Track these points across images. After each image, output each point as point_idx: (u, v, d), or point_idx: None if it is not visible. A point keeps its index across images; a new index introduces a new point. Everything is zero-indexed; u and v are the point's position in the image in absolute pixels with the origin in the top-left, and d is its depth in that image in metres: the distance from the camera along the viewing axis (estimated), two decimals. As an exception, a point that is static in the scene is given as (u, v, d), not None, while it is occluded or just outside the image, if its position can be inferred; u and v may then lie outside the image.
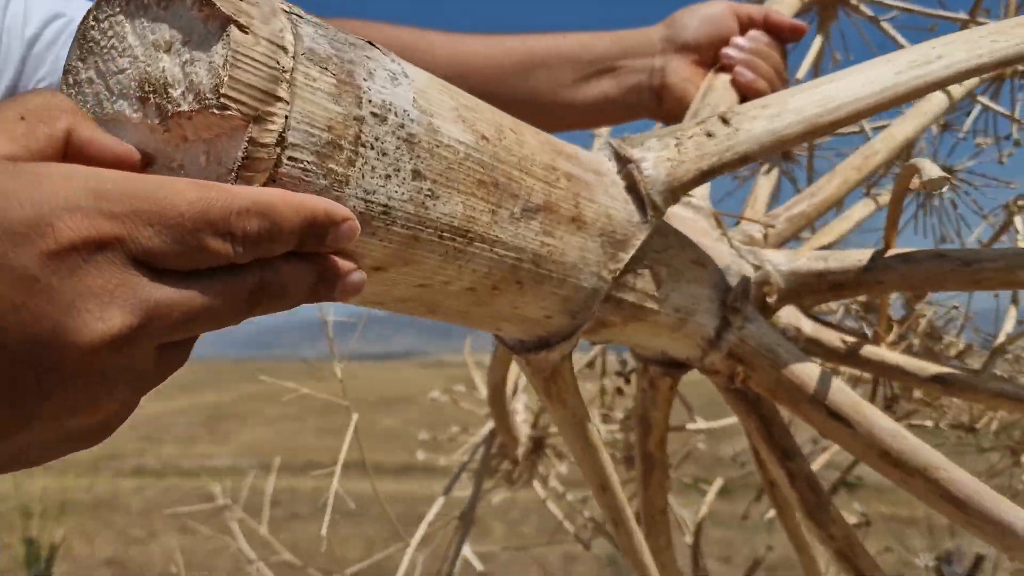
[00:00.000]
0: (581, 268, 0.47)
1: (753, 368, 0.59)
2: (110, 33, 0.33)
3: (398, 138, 0.36)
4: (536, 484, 1.09)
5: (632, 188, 0.50)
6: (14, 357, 0.25)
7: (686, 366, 0.64)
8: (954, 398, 0.68)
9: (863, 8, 0.95)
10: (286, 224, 0.30)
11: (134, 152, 0.31)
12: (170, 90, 0.31)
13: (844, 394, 0.58)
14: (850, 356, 0.68)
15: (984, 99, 0.98)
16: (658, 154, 0.51)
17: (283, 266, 0.31)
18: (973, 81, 0.88)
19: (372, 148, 0.35)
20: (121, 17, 0.33)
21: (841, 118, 0.52)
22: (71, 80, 0.34)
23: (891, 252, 0.62)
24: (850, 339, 0.68)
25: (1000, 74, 1.01)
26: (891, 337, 0.70)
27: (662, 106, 0.76)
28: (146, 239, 0.27)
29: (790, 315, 0.68)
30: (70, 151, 0.30)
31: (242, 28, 0.31)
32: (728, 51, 0.74)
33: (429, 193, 0.38)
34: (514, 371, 1.11)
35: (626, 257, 0.49)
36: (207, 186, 0.28)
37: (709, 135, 0.51)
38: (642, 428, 0.71)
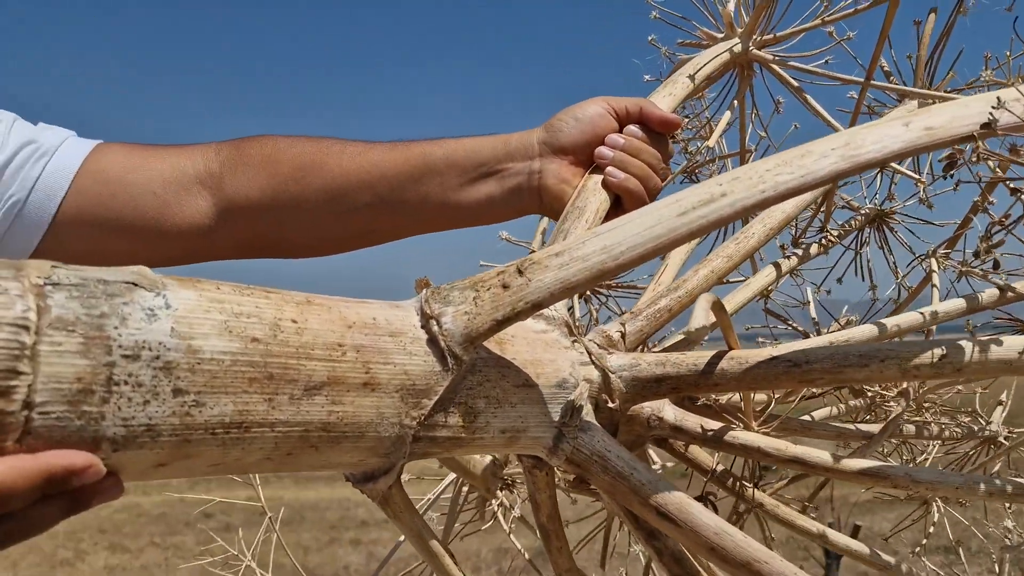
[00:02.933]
0: (379, 422, 0.54)
1: (589, 472, 0.65)
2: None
3: (154, 368, 0.44)
4: (501, 518, 1.17)
5: (433, 341, 0.56)
6: None
7: (551, 461, 0.71)
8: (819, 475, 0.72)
9: (779, 70, 0.97)
10: (17, 491, 0.38)
11: None
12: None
13: (671, 496, 0.63)
14: (713, 440, 0.73)
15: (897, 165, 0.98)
16: (457, 308, 0.57)
17: (30, 511, 0.39)
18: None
19: (126, 383, 0.43)
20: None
21: (625, 263, 0.57)
22: None
23: (730, 354, 0.67)
24: (711, 425, 0.73)
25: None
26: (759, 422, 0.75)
27: (543, 204, 0.81)
28: None
29: (654, 404, 0.73)
30: None
31: (-15, 323, 0.39)
32: (601, 150, 0.79)
33: (194, 403, 0.45)
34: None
35: (429, 403, 0.56)
36: None
37: (505, 287, 0.57)
38: (534, 506, 0.78)
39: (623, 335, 0.73)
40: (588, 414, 0.66)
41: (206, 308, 0.47)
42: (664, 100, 0.86)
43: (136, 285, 0.45)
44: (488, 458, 1.25)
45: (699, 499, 0.74)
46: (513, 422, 0.62)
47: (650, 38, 1.03)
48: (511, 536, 1.19)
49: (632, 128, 0.81)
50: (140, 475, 0.46)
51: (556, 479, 0.77)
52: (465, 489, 1.18)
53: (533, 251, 1.36)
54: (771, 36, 0.96)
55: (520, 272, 0.58)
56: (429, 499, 1.25)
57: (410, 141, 0.84)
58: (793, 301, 1.18)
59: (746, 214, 0.58)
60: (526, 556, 1.25)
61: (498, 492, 1.17)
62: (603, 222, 0.77)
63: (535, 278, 0.57)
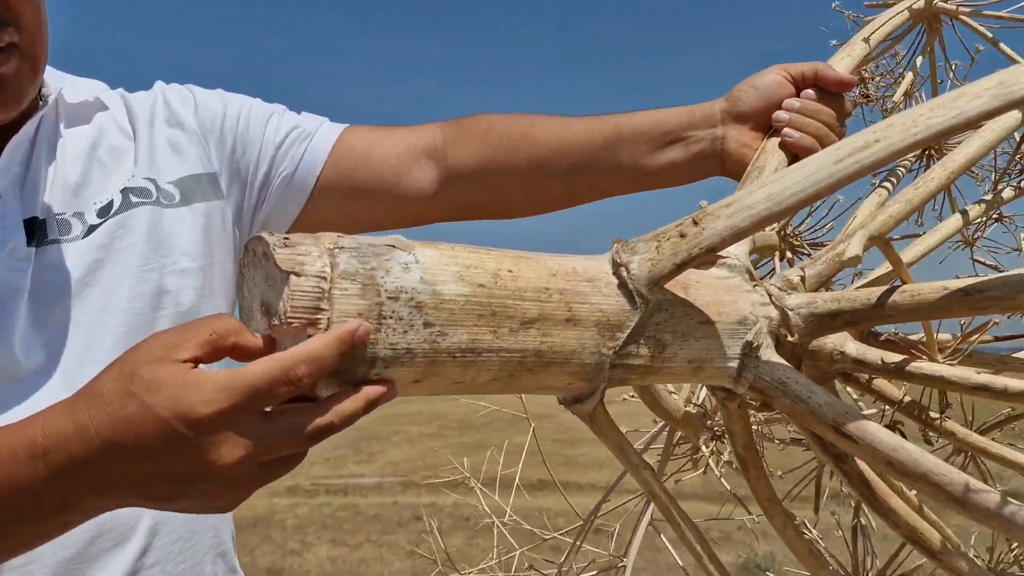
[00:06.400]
0: (581, 351, 0.66)
1: (771, 397, 0.73)
2: (248, 270, 0.60)
3: (410, 306, 0.59)
4: (711, 464, 1.25)
5: (623, 285, 0.68)
6: (180, 472, 0.53)
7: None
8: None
9: (969, 21, 0.98)
10: (326, 358, 0.54)
11: (259, 343, 0.57)
12: (271, 310, 0.57)
13: (847, 415, 0.70)
14: (895, 370, 0.79)
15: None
16: (642, 256, 0.68)
17: (339, 406, 0.56)
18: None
19: (391, 318, 0.58)
20: (251, 263, 0.60)
21: (789, 207, 0.65)
22: (241, 286, 0.61)
23: (902, 288, 0.73)
24: (893, 357, 0.78)
25: None
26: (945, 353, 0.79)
27: (725, 168, 0.90)
28: (244, 404, 0.52)
29: (836, 339, 0.80)
30: (234, 350, 0.57)
31: (296, 274, 0.56)
32: (778, 114, 0.86)
33: (439, 333, 0.60)
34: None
35: (623, 336, 0.67)
36: (271, 359, 0.54)
37: (682, 235, 0.68)
38: (730, 437, 0.87)
39: (803, 279, 0.80)
40: (768, 347, 0.74)
41: (444, 262, 0.62)
42: (841, 62, 0.91)
43: (394, 247, 0.61)
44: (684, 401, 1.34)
45: (888, 427, 0.80)
46: (698, 353, 0.72)
47: (834, 5, 1.07)
48: (722, 480, 1.28)
49: (807, 91, 0.87)
50: (403, 390, 0.62)
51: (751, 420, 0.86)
52: (678, 435, 1.28)
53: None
54: (956, -16, 0.97)
55: (695, 223, 0.68)
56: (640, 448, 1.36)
57: (604, 115, 0.96)
58: (1006, 248, 1.17)
59: (897, 158, 0.64)
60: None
61: (709, 441, 1.26)
62: (781, 178, 0.84)
63: (708, 227, 0.67)
